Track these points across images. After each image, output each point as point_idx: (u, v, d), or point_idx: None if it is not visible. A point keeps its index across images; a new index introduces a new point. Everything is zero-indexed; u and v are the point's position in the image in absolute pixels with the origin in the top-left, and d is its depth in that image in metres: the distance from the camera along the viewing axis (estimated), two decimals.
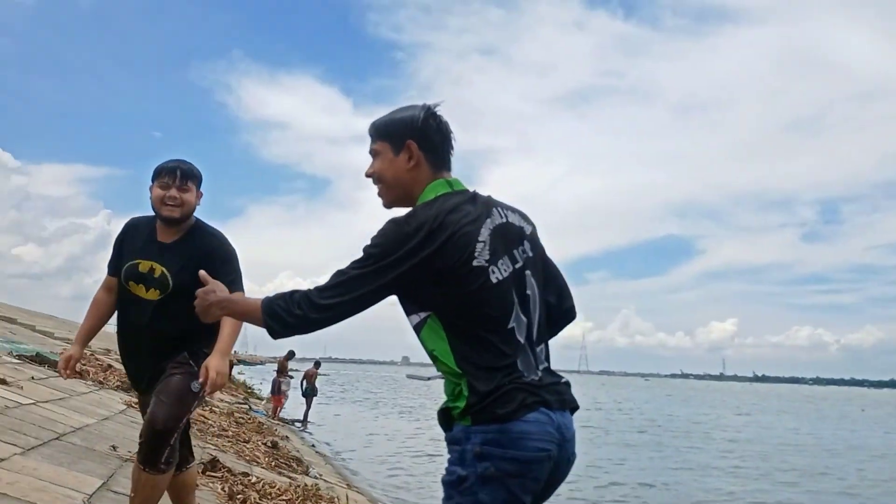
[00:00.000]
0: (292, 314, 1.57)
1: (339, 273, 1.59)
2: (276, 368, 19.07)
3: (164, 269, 2.71)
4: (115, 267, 2.85)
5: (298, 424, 17.24)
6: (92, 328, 2.92)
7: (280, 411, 16.99)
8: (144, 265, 2.73)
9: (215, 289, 1.75)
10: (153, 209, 2.74)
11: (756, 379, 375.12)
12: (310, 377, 18.83)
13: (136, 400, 2.88)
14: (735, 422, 28.55)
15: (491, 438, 1.49)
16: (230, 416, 10.83)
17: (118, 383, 8.45)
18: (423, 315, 1.62)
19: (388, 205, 1.77)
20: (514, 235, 1.69)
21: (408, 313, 1.66)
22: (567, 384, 1.67)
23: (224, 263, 2.73)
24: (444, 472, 1.56)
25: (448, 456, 1.56)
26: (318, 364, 19.94)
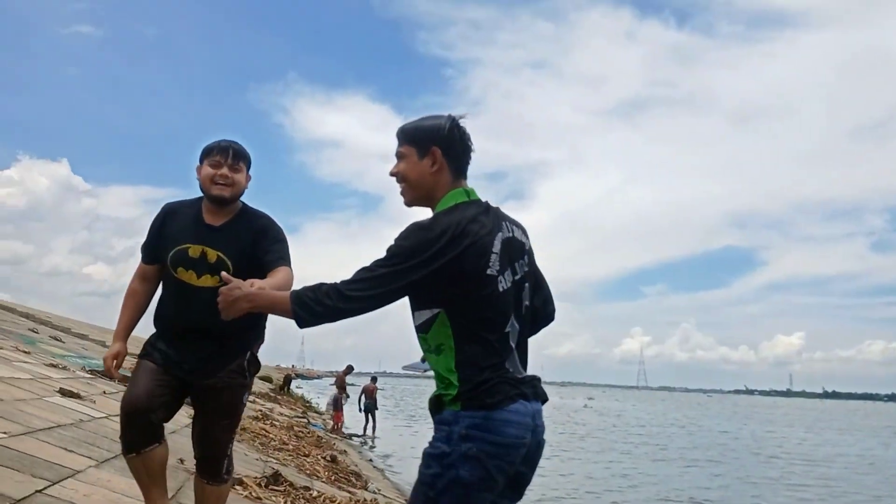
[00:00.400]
0: (321, 303, 1.72)
1: (365, 269, 1.73)
2: (334, 383, 19.28)
3: (219, 254, 2.55)
4: (153, 253, 2.67)
5: (357, 439, 17.36)
6: (131, 321, 2.72)
7: (341, 427, 17.14)
8: (195, 250, 2.56)
9: (239, 285, 1.85)
10: (201, 189, 2.60)
11: (826, 395, 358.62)
12: (370, 392, 18.95)
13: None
14: (803, 439, 27.29)
15: (477, 423, 1.68)
16: (290, 429, 11.00)
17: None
18: (434, 311, 1.77)
19: (409, 203, 1.94)
20: (517, 249, 1.87)
21: (418, 308, 1.81)
22: (538, 379, 1.87)
23: (276, 242, 2.61)
24: (428, 445, 1.74)
25: (435, 434, 1.75)
26: (374, 379, 20.08)
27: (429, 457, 1.72)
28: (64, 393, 5.59)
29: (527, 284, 1.88)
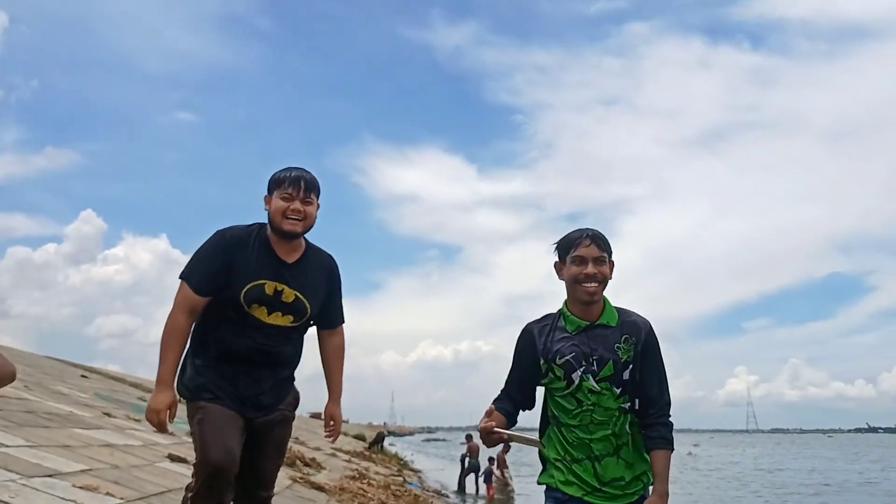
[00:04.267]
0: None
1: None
2: (466, 454, 18.58)
3: (297, 294, 2.48)
4: (213, 285, 2.45)
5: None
6: (177, 363, 2.45)
7: (492, 498, 16.61)
8: (270, 287, 2.45)
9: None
10: (271, 222, 2.48)
11: None
12: (475, 451, 18.53)
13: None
14: None
15: None
16: (387, 488, 10.93)
17: None
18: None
19: (596, 300, 2.26)
20: None
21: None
22: None
23: (339, 287, 2.67)
24: None
25: None
26: (470, 437, 19.64)
27: None
28: (172, 458, 5.80)
29: None
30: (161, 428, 2.48)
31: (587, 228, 2.30)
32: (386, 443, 29.31)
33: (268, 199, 2.51)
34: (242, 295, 2.42)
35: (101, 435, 5.96)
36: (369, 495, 8.86)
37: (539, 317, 2.37)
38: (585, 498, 2.20)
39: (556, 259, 2.34)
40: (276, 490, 2.54)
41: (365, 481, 10.51)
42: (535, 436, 2.36)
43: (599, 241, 2.25)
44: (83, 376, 14.12)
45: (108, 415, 7.92)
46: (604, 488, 2.20)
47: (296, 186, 2.45)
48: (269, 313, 2.45)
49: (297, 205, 2.44)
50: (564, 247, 2.30)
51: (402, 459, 25.28)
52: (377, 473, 13.71)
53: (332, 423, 2.72)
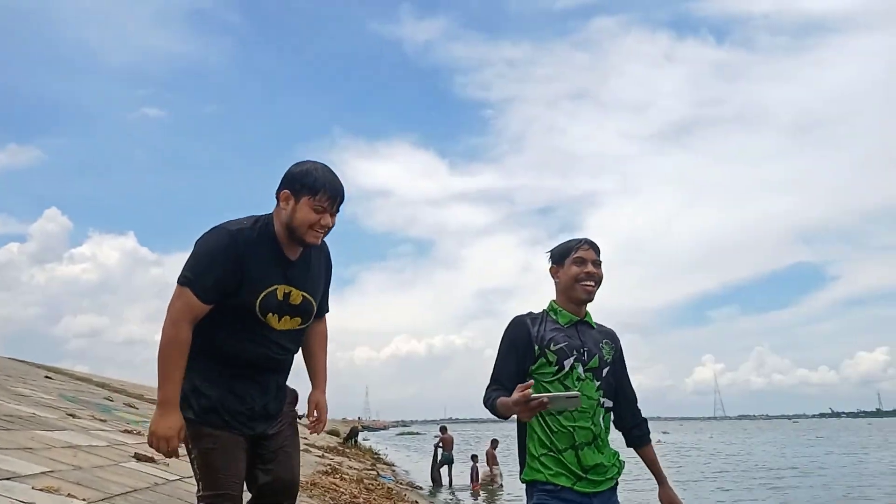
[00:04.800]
0: None
1: None
2: (441, 445, 18.46)
3: (304, 294, 2.31)
4: (220, 291, 2.16)
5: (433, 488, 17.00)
6: (181, 381, 2.15)
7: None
8: (281, 291, 2.25)
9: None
10: (291, 228, 2.20)
11: None
12: (447, 443, 18.51)
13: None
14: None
15: None
16: (360, 482, 10.90)
17: None
18: None
19: (591, 300, 2.46)
20: None
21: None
22: None
23: (330, 277, 2.51)
24: None
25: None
26: (444, 429, 19.66)
27: None
28: (139, 458, 5.69)
29: None
30: (171, 455, 2.21)
31: (583, 238, 2.51)
32: (360, 437, 29.26)
33: (287, 197, 2.19)
34: (258, 304, 2.20)
35: (64, 436, 5.83)
36: (342, 490, 8.83)
37: (524, 312, 2.50)
38: (574, 487, 2.30)
39: (551, 264, 2.52)
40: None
41: (337, 476, 10.47)
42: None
43: (596, 247, 2.48)
44: (47, 377, 13.80)
45: (73, 416, 7.74)
46: (587, 475, 2.32)
47: (333, 202, 2.20)
48: (280, 319, 2.26)
49: (327, 219, 2.21)
50: (563, 252, 2.49)
51: (375, 453, 25.25)
52: (350, 468, 13.67)
53: (316, 412, 2.54)
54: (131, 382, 26.17)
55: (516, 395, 1.99)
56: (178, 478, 5.37)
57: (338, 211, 2.26)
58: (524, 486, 2.41)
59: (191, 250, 2.26)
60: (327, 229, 2.24)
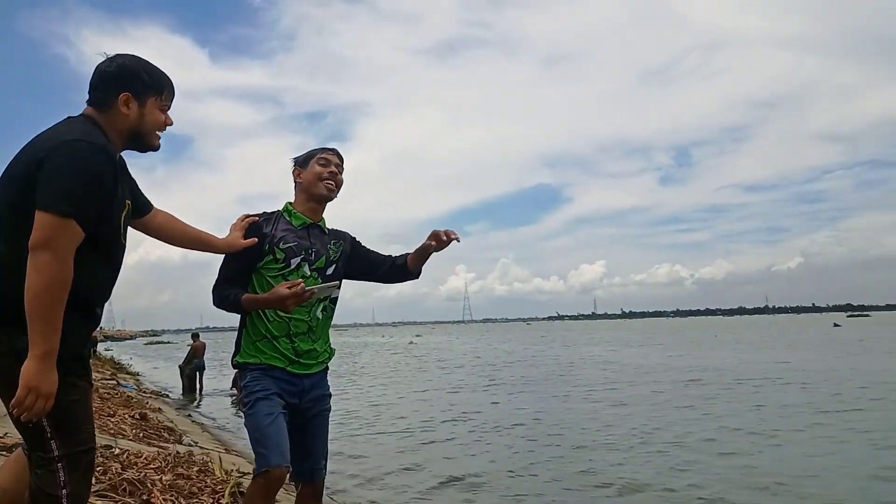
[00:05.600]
0: None
1: None
2: (194, 355, 17.76)
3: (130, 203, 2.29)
4: (97, 221, 1.91)
5: (181, 398, 16.40)
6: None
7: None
8: (128, 206, 2.13)
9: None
10: (141, 133, 2.02)
11: (624, 315, 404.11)
12: (199, 350, 17.85)
13: None
14: (602, 354, 30.65)
15: None
16: (94, 391, 10.18)
17: None
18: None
19: (331, 199, 2.70)
20: None
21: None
22: None
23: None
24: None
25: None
26: (196, 336, 18.93)
27: None
28: None
29: None
30: (42, 415, 1.78)
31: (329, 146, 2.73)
32: (101, 347, 27.11)
33: (128, 100, 2.02)
34: (122, 226, 2.06)
35: None
36: None
37: (259, 212, 2.68)
38: (287, 368, 2.54)
39: (294, 167, 2.69)
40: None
41: None
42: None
43: (341, 156, 2.70)
44: None
45: None
46: (300, 359, 2.58)
47: (173, 97, 2.12)
48: (125, 238, 2.17)
49: (170, 119, 2.13)
50: (307, 156, 2.67)
51: (118, 363, 23.89)
52: None
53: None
54: None
55: (284, 290, 2.34)
56: None
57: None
58: (234, 370, 2.63)
59: (48, 166, 1.78)
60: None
